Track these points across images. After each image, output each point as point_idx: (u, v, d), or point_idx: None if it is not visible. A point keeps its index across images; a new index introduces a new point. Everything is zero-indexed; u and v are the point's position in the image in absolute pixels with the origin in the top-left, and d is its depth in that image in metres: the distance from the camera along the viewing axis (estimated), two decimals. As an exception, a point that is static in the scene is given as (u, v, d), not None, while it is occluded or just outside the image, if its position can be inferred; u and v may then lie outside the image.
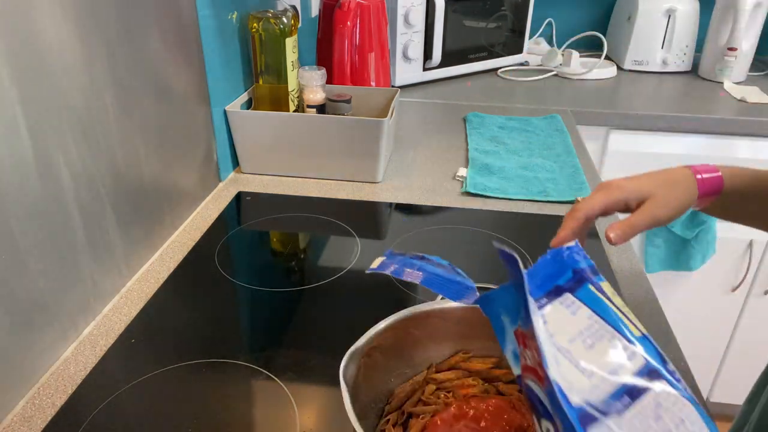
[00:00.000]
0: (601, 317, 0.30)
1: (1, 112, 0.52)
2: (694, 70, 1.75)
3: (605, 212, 0.60)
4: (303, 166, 1.04)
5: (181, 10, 0.82)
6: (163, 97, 0.80)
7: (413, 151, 1.18)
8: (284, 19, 1.00)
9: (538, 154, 1.15)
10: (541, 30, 1.88)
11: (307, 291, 0.75)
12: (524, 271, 0.30)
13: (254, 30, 1.00)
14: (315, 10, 1.41)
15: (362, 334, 0.49)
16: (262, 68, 1.03)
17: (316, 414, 0.56)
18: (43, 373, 0.61)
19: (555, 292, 0.32)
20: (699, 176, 0.60)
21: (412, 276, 0.41)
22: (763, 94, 1.54)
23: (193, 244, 0.84)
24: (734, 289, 1.56)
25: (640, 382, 0.29)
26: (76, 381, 0.60)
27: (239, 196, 0.98)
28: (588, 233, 0.62)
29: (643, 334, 0.31)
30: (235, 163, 1.07)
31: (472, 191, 0.99)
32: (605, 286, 0.32)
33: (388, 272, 0.43)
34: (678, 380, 0.30)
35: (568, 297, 0.31)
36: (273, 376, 0.61)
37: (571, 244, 0.35)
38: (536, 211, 0.95)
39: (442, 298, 0.55)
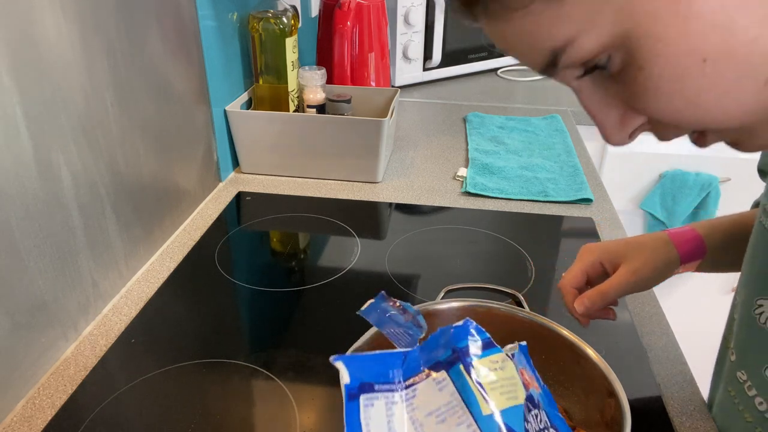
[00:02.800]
0: (461, 395, 0.33)
1: (1, 112, 0.52)
2: (694, 70, 1.74)
3: (589, 279, 0.59)
4: (303, 166, 1.04)
5: (181, 10, 0.82)
6: (163, 97, 0.80)
7: (413, 151, 1.18)
8: (284, 19, 1.00)
9: (538, 154, 1.15)
10: (541, 30, 1.88)
11: (307, 291, 0.75)
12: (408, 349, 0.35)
13: (254, 30, 1.00)
14: (315, 10, 1.41)
15: (362, 334, 0.49)
16: (262, 68, 1.03)
17: (316, 414, 0.56)
18: (43, 373, 0.61)
19: (435, 367, 0.35)
20: (677, 240, 0.58)
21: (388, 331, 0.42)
22: (763, 94, 1.54)
23: (193, 244, 0.84)
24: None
25: None
26: (76, 381, 0.60)
27: (239, 196, 0.98)
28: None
29: (491, 412, 0.33)
30: (235, 163, 1.07)
31: (472, 191, 0.99)
32: (482, 362, 0.35)
33: (370, 320, 0.43)
34: None
35: (443, 373, 0.34)
36: (273, 376, 0.61)
37: (459, 323, 0.36)
38: (536, 211, 0.95)
39: (441, 298, 0.55)
